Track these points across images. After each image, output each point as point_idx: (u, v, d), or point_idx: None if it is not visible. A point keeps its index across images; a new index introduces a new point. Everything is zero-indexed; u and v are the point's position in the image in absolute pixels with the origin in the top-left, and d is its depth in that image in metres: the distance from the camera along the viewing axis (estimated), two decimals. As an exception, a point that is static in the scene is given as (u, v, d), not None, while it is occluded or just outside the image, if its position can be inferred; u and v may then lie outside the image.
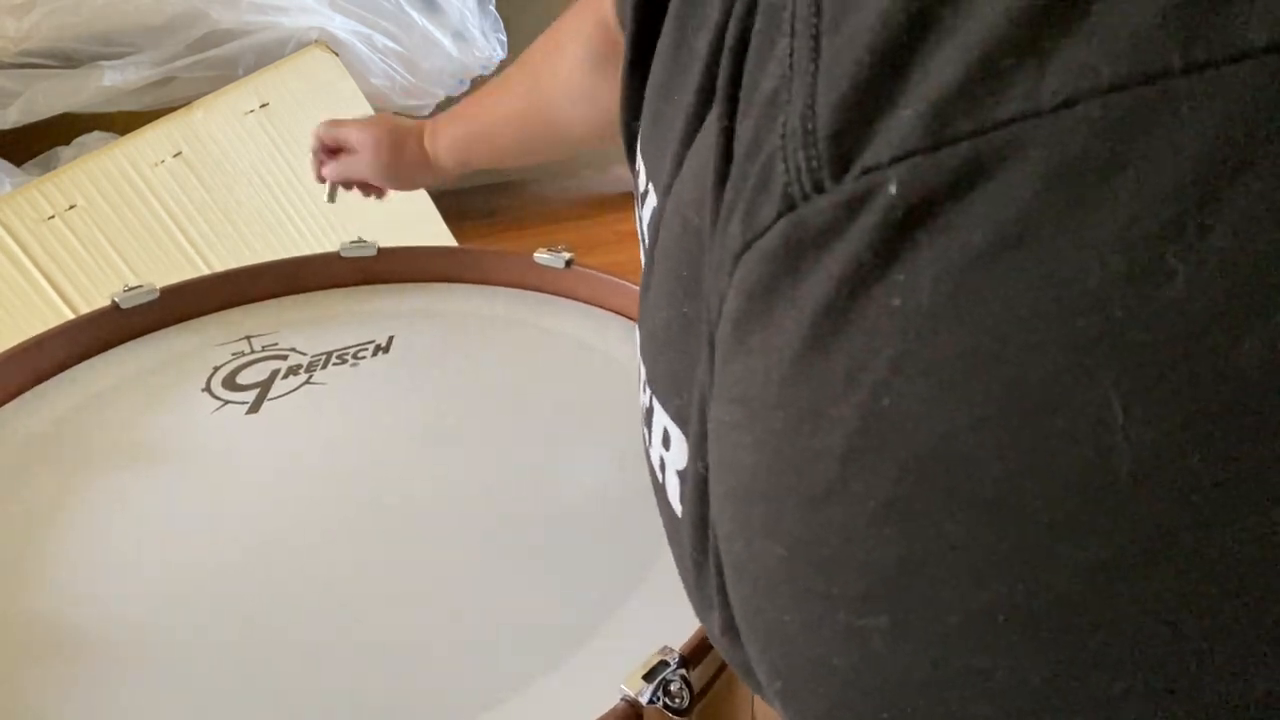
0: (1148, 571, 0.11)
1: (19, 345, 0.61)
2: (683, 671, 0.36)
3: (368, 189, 0.73)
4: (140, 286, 0.68)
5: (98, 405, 0.59)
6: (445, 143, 0.66)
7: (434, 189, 1.36)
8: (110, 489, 0.51)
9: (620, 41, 0.26)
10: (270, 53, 1.18)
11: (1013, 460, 0.11)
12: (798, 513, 0.14)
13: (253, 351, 0.66)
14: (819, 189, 0.13)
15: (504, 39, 1.52)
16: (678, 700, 0.36)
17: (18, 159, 1.06)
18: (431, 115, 0.70)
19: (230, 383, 0.62)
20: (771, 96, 0.14)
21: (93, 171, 0.99)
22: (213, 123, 1.11)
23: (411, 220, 1.33)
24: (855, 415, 0.13)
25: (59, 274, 0.95)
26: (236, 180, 1.12)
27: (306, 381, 0.62)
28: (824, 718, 0.15)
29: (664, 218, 0.21)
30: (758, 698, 0.51)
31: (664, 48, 0.22)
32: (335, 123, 0.70)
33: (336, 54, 1.24)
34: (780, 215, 0.14)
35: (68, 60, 1.07)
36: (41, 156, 1.08)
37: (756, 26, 0.16)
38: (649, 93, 0.24)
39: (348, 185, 0.73)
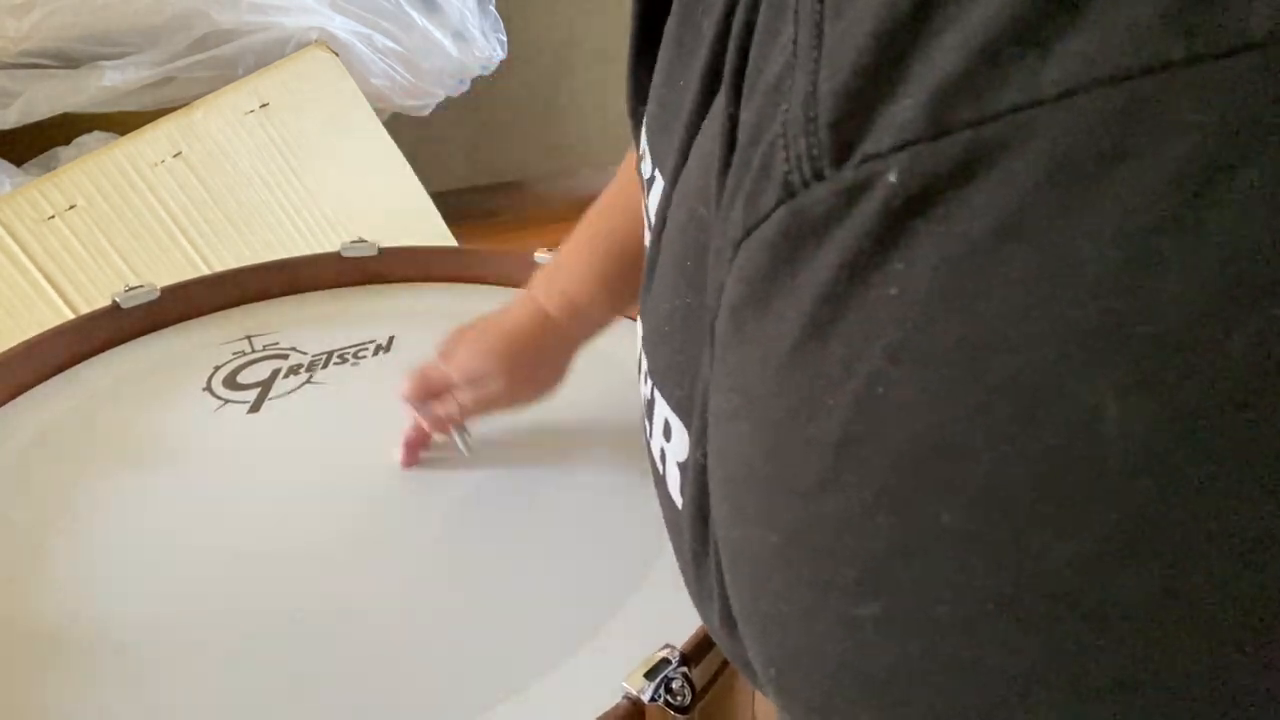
0: (1136, 563, 0.11)
1: (19, 345, 0.61)
2: (684, 669, 0.36)
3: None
4: (141, 286, 0.68)
5: (98, 405, 0.59)
6: (575, 289, 0.50)
7: (434, 189, 1.36)
8: (112, 488, 0.51)
9: None
10: (270, 53, 1.18)
11: (1005, 450, 0.11)
12: (793, 501, 0.14)
13: (253, 351, 0.66)
14: (819, 176, 0.13)
15: (504, 39, 1.52)
16: (679, 698, 0.36)
17: (18, 159, 1.06)
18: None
19: (231, 382, 0.62)
20: (775, 84, 0.14)
21: (93, 171, 0.99)
22: (213, 123, 1.10)
23: (411, 220, 1.33)
24: (851, 403, 0.13)
25: (59, 274, 0.95)
26: (237, 180, 1.12)
27: (307, 381, 0.62)
28: (817, 706, 0.15)
29: (670, 207, 0.21)
30: (759, 695, 0.51)
31: (670, 32, 0.22)
32: (433, 367, 0.51)
33: (336, 54, 1.24)
34: (780, 203, 0.14)
35: (68, 60, 1.07)
36: (41, 156, 1.08)
37: (762, 14, 0.16)
38: (655, 77, 0.24)
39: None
